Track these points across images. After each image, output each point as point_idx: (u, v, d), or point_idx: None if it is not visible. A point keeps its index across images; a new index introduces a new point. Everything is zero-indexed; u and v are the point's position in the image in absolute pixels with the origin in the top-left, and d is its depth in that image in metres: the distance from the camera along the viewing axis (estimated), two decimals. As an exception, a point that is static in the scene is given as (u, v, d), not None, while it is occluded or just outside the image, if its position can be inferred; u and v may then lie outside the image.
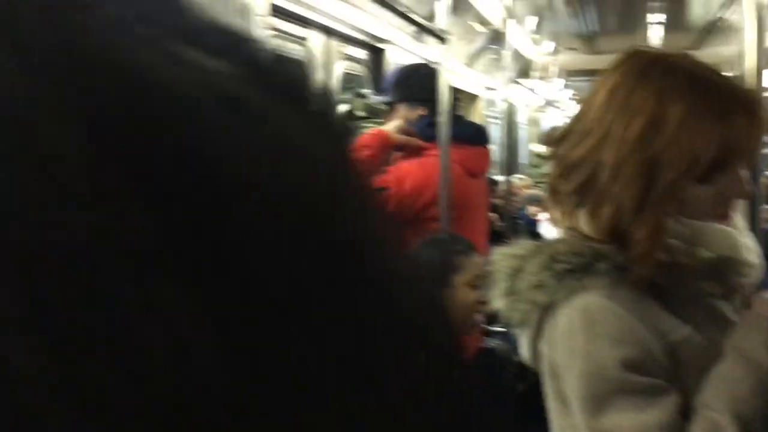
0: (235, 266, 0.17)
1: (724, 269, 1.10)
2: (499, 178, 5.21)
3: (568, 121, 1.14)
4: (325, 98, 0.23)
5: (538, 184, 6.26)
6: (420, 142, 2.64)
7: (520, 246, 1.14)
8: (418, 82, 2.77)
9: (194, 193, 0.17)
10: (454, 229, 2.62)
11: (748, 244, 1.14)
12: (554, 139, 1.17)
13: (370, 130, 2.67)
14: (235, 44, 0.21)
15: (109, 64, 0.17)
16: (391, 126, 2.67)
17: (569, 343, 1.05)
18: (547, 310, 1.09)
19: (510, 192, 4.57)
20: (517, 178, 5.83)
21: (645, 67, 1.08)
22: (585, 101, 1.14)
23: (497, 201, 4.86)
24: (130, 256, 0.16)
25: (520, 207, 5.78)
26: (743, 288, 1.15)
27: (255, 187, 0.18)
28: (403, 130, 2.66)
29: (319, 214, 0.19)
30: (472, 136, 2.85)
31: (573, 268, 1.06)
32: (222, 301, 0.17)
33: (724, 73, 1.09)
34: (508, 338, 3.39)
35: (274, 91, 0.21)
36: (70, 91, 0.16)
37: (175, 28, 0.20)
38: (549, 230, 5.98)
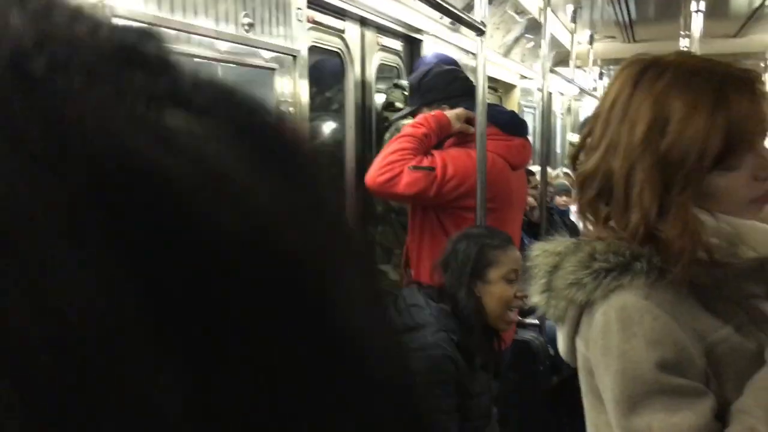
0: (219, 339, 0.18)
1: None
2: (535, 168, 5.18)
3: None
4: (310, 151, 0.25)
5: (571, 175, 6.20)
6: (474, 131, 2.63)
7: (559, 242, 1.16)
8: (429, 86, 2.81)
9: (187, 277, 0.18)
10: (491, 220, 2.64)
11: None
12: (571, 156, 1.20)
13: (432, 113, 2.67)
14: (219, 101, 0.22)
15: (101, 155, 0.17)
16: (453, 112, 2.68)
17: (605, 342, 1.06)
18: (584, 307, 1.10)
19: (546, 183, 4.53)
20: (563, 171, 5.78)
21: (639, 73, 1.09)
22: (592, 116, 1.17)
23: (532, 192, 4.85)
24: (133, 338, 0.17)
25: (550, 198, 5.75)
26: None
27: (240, 262, 0.19)
28: (464, 118, 2.68)
29: (302, 288, 0.20)
30: (514, 126, 2.84)
31: (611, 267, 1.07)
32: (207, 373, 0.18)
33: (719, 61, 1.09)
34: (543, 331, 3.40)
35: (258, 152, 0.22)
36: (69, 185, 0.17)
37: (162, 90, 0.21)
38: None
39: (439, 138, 2.65)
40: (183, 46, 1.97)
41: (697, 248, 1.03)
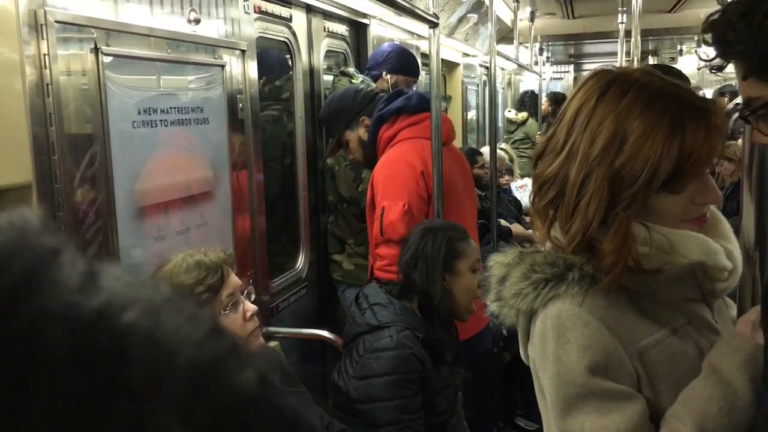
0: None
1: (700, 274, 1.14)
2: (484, 149, 5.21)
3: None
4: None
5: (508, 151, 6.28)
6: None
7: (508, 254, 1.22)
8: (338, 110, 3.07)
9: None
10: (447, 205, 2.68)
11: (728, 250, 1.18)
12: (534, 158, 1.23)
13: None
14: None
15: None
16: (356, 138, 3.04)
17: (543, 348, 1.13)
18: (530, 315, 1.17)
19: (495, 162, 4.56)
20: (499, 148, 5.82)
21: (605, 86, 1.13)
22: (556, 121, 1.20)
23: (480, 172, 4.87)
24: None
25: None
26: (721, 292, 1.20)
27: None
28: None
29: None
30: (426, 103, 2.90)
31: (548, 277, 1.14)
32: None
33: (681, 85, 1.12)
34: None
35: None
36: None
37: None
38: (522, 195, 5.94)
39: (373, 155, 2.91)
40: (127, 49, 1.88)
41: (628, 259, 1.08)
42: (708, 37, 1.01)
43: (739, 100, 1.15)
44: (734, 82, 8.11)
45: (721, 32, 0.97)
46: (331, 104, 3.12)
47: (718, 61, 1.10)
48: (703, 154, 1.07)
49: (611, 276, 1.08)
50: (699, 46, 8.06)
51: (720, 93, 6.62)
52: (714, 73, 1.23)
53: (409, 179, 2.71)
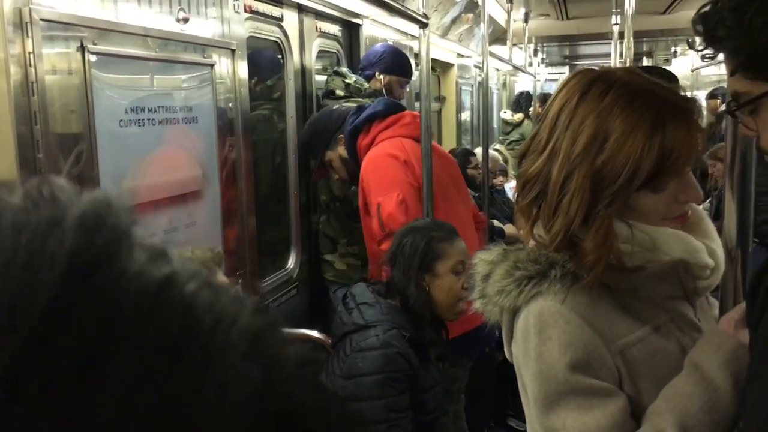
0: None
1: (682, 272, 1.15)
2: (478, 150, 5.21)
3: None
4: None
5: (503, 152, 6.30)
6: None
7: (492, 251, 1.22)
8: (319, 131, 3.14)
9: None
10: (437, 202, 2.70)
11: (710, 248, 1.18)
12: (518, 157, 1.23)
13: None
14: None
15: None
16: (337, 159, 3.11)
17: (525, 345, 1.13)
18: (513, 313, 1.18)
19: (488, 162, 4.56)
20: (493, 148, 5.83)
21: (587, 85, 1.14)
22: (540, 120, 1.21)
23: (473, 173, 4.87)
24: None
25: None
26: (703, 290, 1.21)
27: None
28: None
29: None
30: (395, 106, 3.00)
31: (531, 275, 1.14)
32: None
33: (662, 84, 1.13)
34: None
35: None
36: None
37: None
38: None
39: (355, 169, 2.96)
40: (115, 47, 1.87)
41: (610, 257, 1.09)
42: (699, 28, 1.01)
43: None
44: (710, 89, 8.14)
45: (712, 26, 0.98)
46: (309, 128, 3.21)
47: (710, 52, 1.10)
48: (684, 152, 1.08)
49: (593, 274, 1.09)
50: (692, 48, 8.05)
51: (712, 95, 6.64)
52: (707, 61, 1.24)
53: (396, 170, 2.74)
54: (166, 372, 0.25)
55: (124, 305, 0.25)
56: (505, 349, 1.25)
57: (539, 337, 1.10)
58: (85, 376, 0.23)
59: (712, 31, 0.98)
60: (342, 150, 3.05)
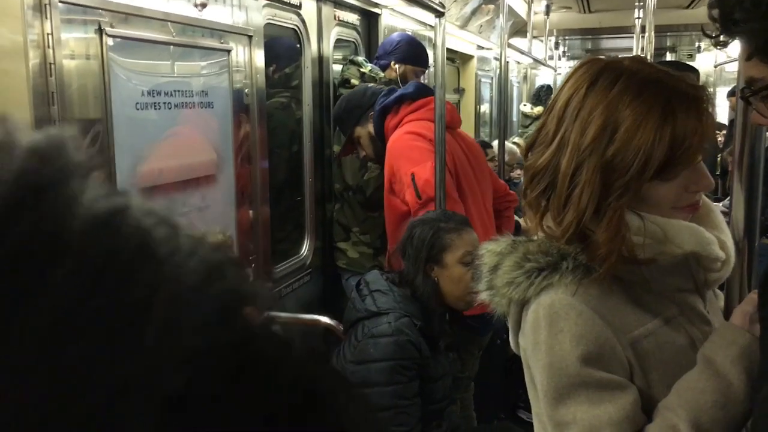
0: None
1: (693, 265, 1.15)
2: (496, 143, 5.19)
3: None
4: None
5: (522, 145, 6.27)
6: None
7: (500, 243, 1.21)
8: (349, 109, 3.14)
9: None
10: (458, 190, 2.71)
11: (721, 240, 1.17)
12: (524, 149, 1.23)
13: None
14: None
15: None
16: (366, 137, 3.10)
17: (535, 337, 1.12)
18: (523, 304, 1.16)
19: (504, 154, 4.55)
20: (512, 141, 5.81)
21: (595, 75, 1.12)
22: (546, 111, 1.20)
23: (490, 166, 4.85)
24: None
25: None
26: (714, 282, 1.20)
27: None
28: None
29: None
30: (424, 90, 2.99)
31: (542, 266, 1.13)
32: None
33: (671, 72, 1.12)
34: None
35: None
36: None
37: None
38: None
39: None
40: (132, 31, 1.90)
41: (622, 249, 1.08)
42: (714, 12, 1.00)
43: None
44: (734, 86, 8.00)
45: (729, 9, 0.96)
46: (342, 103, 3.20)
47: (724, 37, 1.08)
48: (695, 141, 1.07)
49: (606, 266, 1.08)
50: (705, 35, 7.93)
51: (733, 93, 6.56)
52: (719, 48, 1.23)
53: (424, 145, 2.77)
54: (113, 288, 0.24)
55: (73, 224, 0.25)
56: (511, 340, 1.25)
57: (550, 330, 1.10)
58: (28, 283, 0.23)
59: (729, 15, 0.97)
60: (371, 127, 3.07)
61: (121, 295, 0.24)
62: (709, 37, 1.07)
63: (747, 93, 1.02)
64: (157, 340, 0.24)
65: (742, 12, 0.94)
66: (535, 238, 1.19)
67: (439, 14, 2.50)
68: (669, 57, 10.71)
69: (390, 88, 3.11)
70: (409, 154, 2.78)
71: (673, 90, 1.09)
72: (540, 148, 1.17)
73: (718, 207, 1.34)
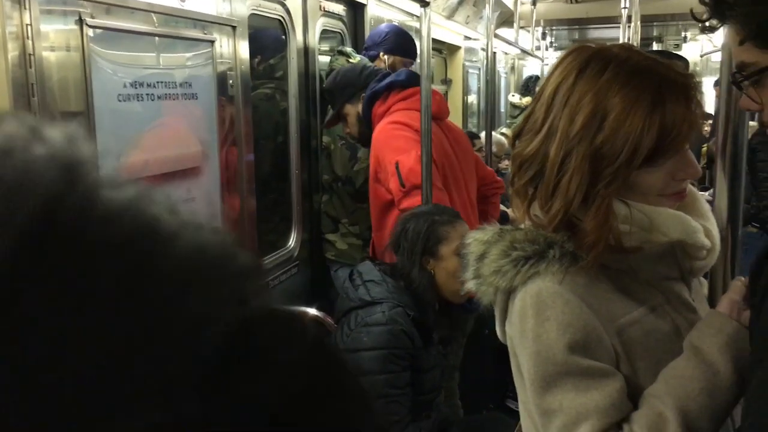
0: None
1: (679, 253, 1.15)
2: (482, 134, 5.19)
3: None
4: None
5: (509, 135, 6.29)
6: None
7: (487, 231, 1.21)
8: (343, 84, 3.11)
9: None
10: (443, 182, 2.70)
11: (706, 228, 1.18)
12: (512, 137, 1.23)
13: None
14: None
15: None
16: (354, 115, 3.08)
17: (522, 326, 1.12)
18: (509, 293, 1.16)
19: (491, 145, 4.55)
20: (500, 132, 5.81)
21: (584, 63, 1.12)
22: (534, 99, 1.19)
23: (477, 155, 4.85)
24: None
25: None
26: (699, 270, 1.21)
27: None
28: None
29: None
30: (416, 78, 2.94)
31: (528, 255, 1.13)
32: None
33: (659, 59, 1.12)
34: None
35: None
36: None
37: None
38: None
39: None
40: (113, 22, 1.88)
41: (609, 237, 1.08)
42: None
43: None
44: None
45: None
46: (337, 77, 3.17)
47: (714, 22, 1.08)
48: (684, 129, 1.07)
49: (593, 253, 1.08)
50: (703, 32, 7.97)
51: (719, 83, 6.57)
52: (707, 34, 1.22)
53: (409, 134, 2.77)
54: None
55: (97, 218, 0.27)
56: (497, 329, 1.25)
57: (537, 318, 1.10)
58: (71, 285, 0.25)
59: None
60: (360, 107, 3.06)
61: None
62: (698, 21, 1.07)
63: (738, 78, 1.02)
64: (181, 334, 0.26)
65: None
66: (522, 226, 1.19)
67: (425, 4, 2.49)
68: (655, 46, 10.72)
69: (385, 72, 3.09)
70: (393, 143, 2.78)
71: (662, 78, 1.08)
72: (528, 136, 1.16)
73: (704, 196, 1.34)
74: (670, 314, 1.15)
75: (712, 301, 1.29)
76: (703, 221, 1.19)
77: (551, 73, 1.17)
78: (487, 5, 3.98)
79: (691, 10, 1.12)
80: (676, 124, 1.06)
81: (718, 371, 1.05)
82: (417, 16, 4.51)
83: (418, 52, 2.80)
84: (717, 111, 1.31)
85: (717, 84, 7.03)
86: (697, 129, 1.10)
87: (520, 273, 1.12)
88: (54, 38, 1.68)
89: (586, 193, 1.09)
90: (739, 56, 0.99)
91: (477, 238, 1.21)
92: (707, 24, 1.05)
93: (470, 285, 1.21)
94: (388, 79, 2.96)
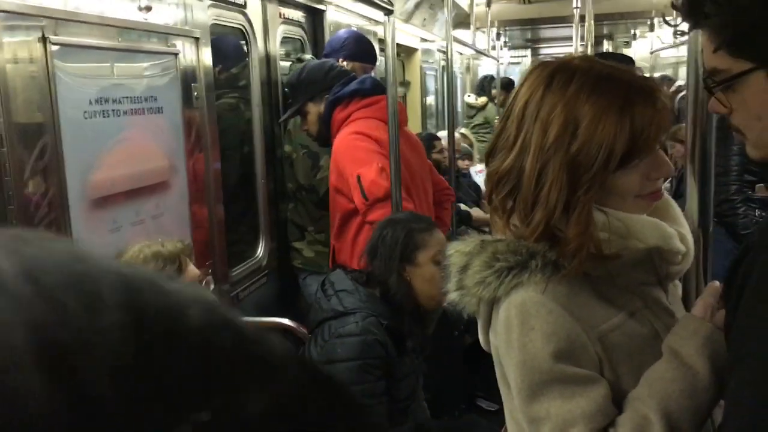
0: None
1: (656, 259, 1.17)
2: (442, 133, 5.23)
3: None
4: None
5: (468, 136, 6.36)
6: None
7: (468, 243, 1.21)
8: (308, 81, 3.03)
9: None
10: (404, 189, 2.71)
11: (681, 234, 1.21)
12: (485, 156, 1.24)
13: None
14: None
15: None
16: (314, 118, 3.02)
17: (507, 336, 1.14)
18: (493, 303, 1.18)
19: (453, 146, 4.59)
20: (459, 133, 5.86)
21: (549, 77, 1.14)
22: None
23: (438, 157, 4.89)
24: None
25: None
26: (675, 275, 1.24)
27: None
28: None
29: None
30: (379, 87, 2.95)
31: (511, 265, 1.14)
32: None
33: (620, 67, 1.15)
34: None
35: None
36: None
37: None
38: (481, 180, 6.04)
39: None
40: (77, 38, 1.84)
41: (590, 244, 1.10)
42: (682, 3, 1.00)
43: (681, 82, 1.17)
44: (670, 71, 8.27)
45: (699, 1, 0.97)
46: (302, 72, 3.10)
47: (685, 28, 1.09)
48: (653, 130, 1.10)
49: (576, 261, 1.09)
50: (651, 30, 8.19)
51: (666, 79, 6.76)
52: (677, 36, 1.23)
53: (370, 145, 2.74)
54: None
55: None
56: (481, 338, 1.25)
57: (522, 328, 1.11)
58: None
59: (700, 7, 0.98)
60: (323, 108, 3.01)
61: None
62: (670, 26, 1.08)
63: (710, 83, 1.04)
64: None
65: (712, 5, 0.95)
66: (503, 237, 1.20)
67: (388, 12, 2.50)
68: (606, 44, 10.95)
69: (351, 76, 3.04)
70: (354, 154, 2.75)
71: (627, 83, 1.11)
72: (502, 153, 1.18)
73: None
74: (649, 319, 1.17)
75: (687, 301, 1.33)
76: (677, 227, 1.21)
77: (518, 91, 1.19)
78: (445, 8, 4.01)
79: (663, 15, 1.13)
80: (645, 126, 1.09)
81: (697, 372, 1.07)
82: (375, 21, 4.53)
83: (383, 60, 2.80)
84: (685, 113, 1.34)
85: (665, 79, 7.18)
86: (666, 129, 1.13)
87: (503, 284, 1.13)
88: (17, 54, 1.64)
89: (566, 202, 1.10)
90: (711, 62, 1.02)
91: (459, 249, 1.21)
92: (678, 30, 1.07)
93: (453, 296, 1.20)
94: (352, 86, 2.92)
